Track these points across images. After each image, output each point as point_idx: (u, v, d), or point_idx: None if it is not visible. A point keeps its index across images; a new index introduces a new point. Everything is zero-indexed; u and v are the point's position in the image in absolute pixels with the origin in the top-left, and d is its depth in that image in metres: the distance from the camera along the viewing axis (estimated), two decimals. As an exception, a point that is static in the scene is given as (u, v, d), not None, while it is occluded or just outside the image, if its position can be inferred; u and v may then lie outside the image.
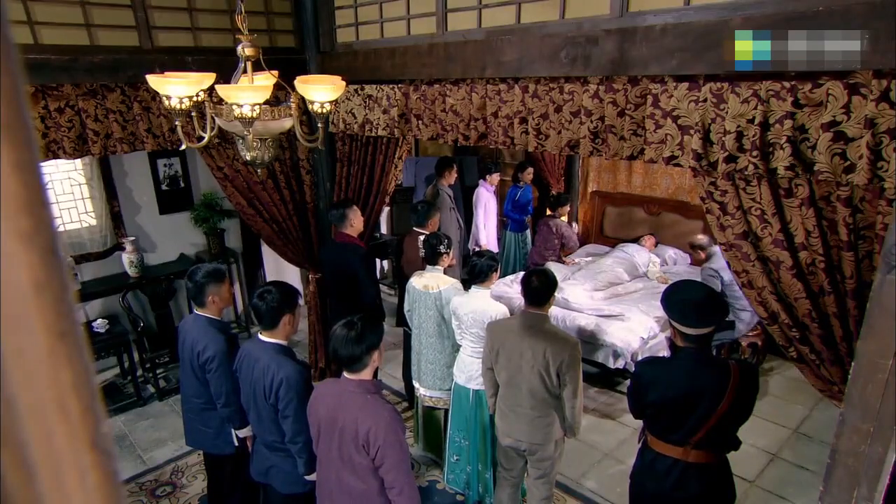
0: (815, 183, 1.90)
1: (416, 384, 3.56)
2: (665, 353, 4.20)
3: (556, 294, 2.73)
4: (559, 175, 6.45)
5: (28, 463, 0.27)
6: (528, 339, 2.60)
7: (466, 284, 3.12)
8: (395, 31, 3.29)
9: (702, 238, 4.50)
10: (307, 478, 2.43)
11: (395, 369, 4.65)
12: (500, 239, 6.15)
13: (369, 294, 3.74)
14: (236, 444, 2.82)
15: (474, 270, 2.99)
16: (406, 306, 3.51)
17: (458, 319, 3.09)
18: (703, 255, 4.44)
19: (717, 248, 4.05)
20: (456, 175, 5.43)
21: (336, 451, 2.07)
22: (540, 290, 2.62)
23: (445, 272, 3.38)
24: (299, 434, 2.33)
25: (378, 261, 6.33)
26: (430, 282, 3.29)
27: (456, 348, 3.25)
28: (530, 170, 6.05)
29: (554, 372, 2.55)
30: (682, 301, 2.19)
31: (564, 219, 5.70)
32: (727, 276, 3.95)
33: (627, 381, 4.40)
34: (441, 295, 3.23)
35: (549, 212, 5.78)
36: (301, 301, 2.56)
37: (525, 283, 2.67)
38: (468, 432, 3.18)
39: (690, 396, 2.14)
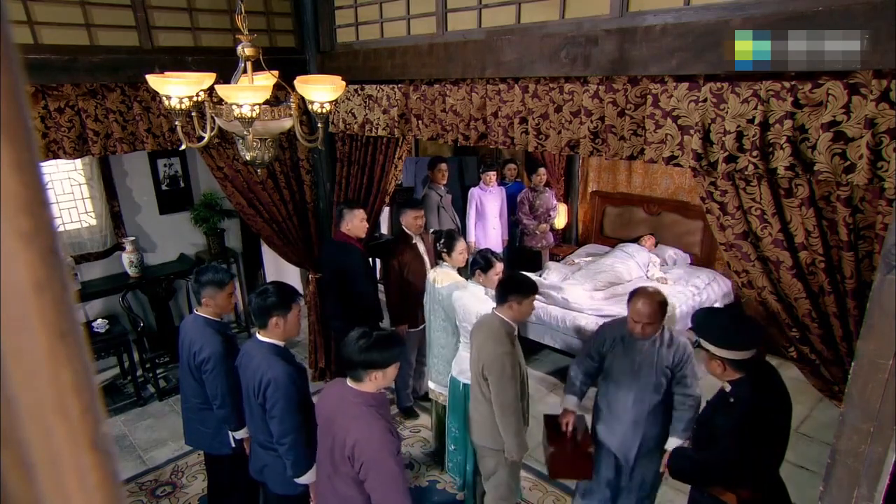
0: (815, 183, 1.90)
1: (428, 380, 3.68)
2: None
3: (525, 298, 2.59)
4: (559, 175, 6.44)
5: (28, 463, 0.27)
6: (476, 335, 2.69)
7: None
8: (395, 31, 3.29)
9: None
10: (296, 480, 2.42)
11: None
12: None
13: (367, 294, 3.76)
14: (233, 444, 2.82)
15: (469, 267, 3.14)
16: (426, 299, 3.63)
17: (454, 313, 3.18)
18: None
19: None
20: (447, 174, 5.43)
21: (328, 454, 2.07)
22: (499, 288, 2.68)
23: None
24: (285, 435, 2.32)
25: (378, 261, 6.31)
26: (439, 277, 3.42)
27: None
28: (511, 166, 6.02)
29: (482, 374, 2.56)
30: (720, 324, 2.07)
31: (528, 189, 5.74)
32: None
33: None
34: (443, 291, 3.33)
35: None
36: (301, 301, 2.55)
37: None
38: (461, 423, 3.21)
39: (775, 430, 2.03)
